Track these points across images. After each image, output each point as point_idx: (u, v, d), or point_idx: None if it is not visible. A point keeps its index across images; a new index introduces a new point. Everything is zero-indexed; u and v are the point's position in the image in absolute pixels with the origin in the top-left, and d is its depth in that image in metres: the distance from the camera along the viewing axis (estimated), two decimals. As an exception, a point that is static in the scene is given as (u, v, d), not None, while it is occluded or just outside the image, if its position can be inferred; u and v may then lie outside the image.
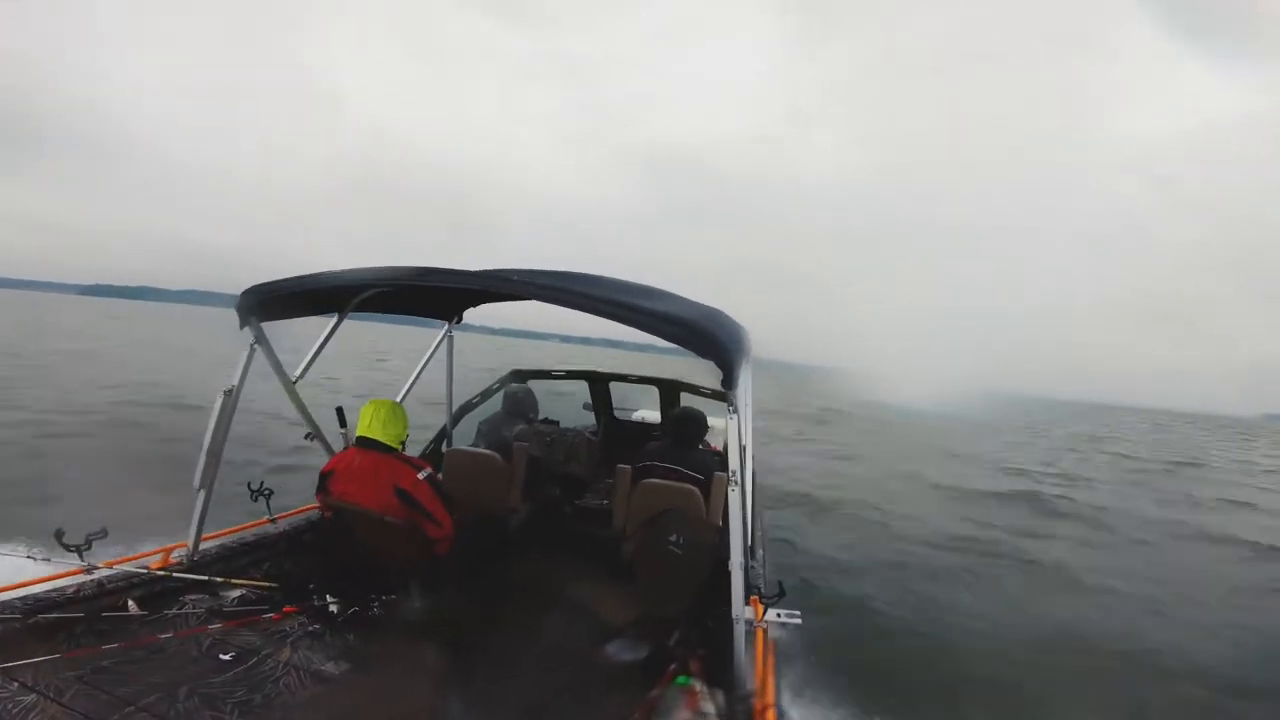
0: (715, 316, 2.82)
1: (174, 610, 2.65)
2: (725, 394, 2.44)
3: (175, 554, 2.89)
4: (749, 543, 2.72)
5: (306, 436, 3.50)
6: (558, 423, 5.24)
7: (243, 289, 2.81)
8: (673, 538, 3.13)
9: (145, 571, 2.71)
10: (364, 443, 2.99)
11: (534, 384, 5.48)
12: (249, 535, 3.27)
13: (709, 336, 2.35)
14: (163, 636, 2.41)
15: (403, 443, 3.09)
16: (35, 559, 2.60)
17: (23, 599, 2.35)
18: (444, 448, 4.54)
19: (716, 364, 2.34)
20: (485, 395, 5.10)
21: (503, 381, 5.17)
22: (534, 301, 2.83)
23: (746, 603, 2.35)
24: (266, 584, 2.95)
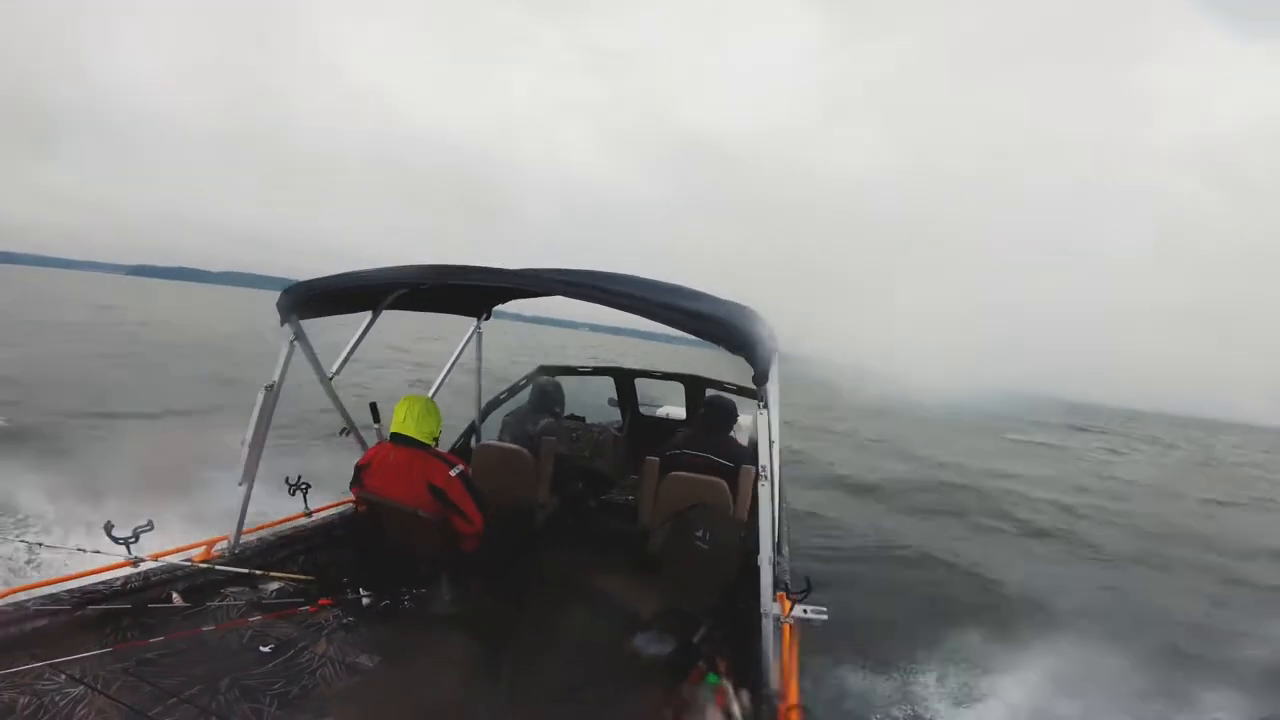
0: (745, 313, 2.81)
1: (215, 603, 2.72)
2: (753, 390, 2.44)
3: (217, 547, 2.98)
4: (776, 538, 2.70)
5: (341, 431, 3.57)
6: (584, 418, 5.26)
7: (284, 277, 2.87)
8: (699, 533, 3.12)
9: (189, 564, 2.79)
10: (398, 438, 3.03)
11: (560, 380, 5.49)
12: (286, 529, 3.36)
13: (741, 333, 2.36)
14: (205, 629, 2.47)
15: (436, 439, 3.13)
16: (84, 551, 2.70)
17: (70, 591, 2.44)
18: (473, 443, 4.59)
19: (747, 360, 2.34)
20: (513, 391, 5.13)
21: (530, 378, 5.19)
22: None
23: (774, 598, 2.35)
24: (303, 577, 3.01)
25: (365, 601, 2.90)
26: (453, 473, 2.97)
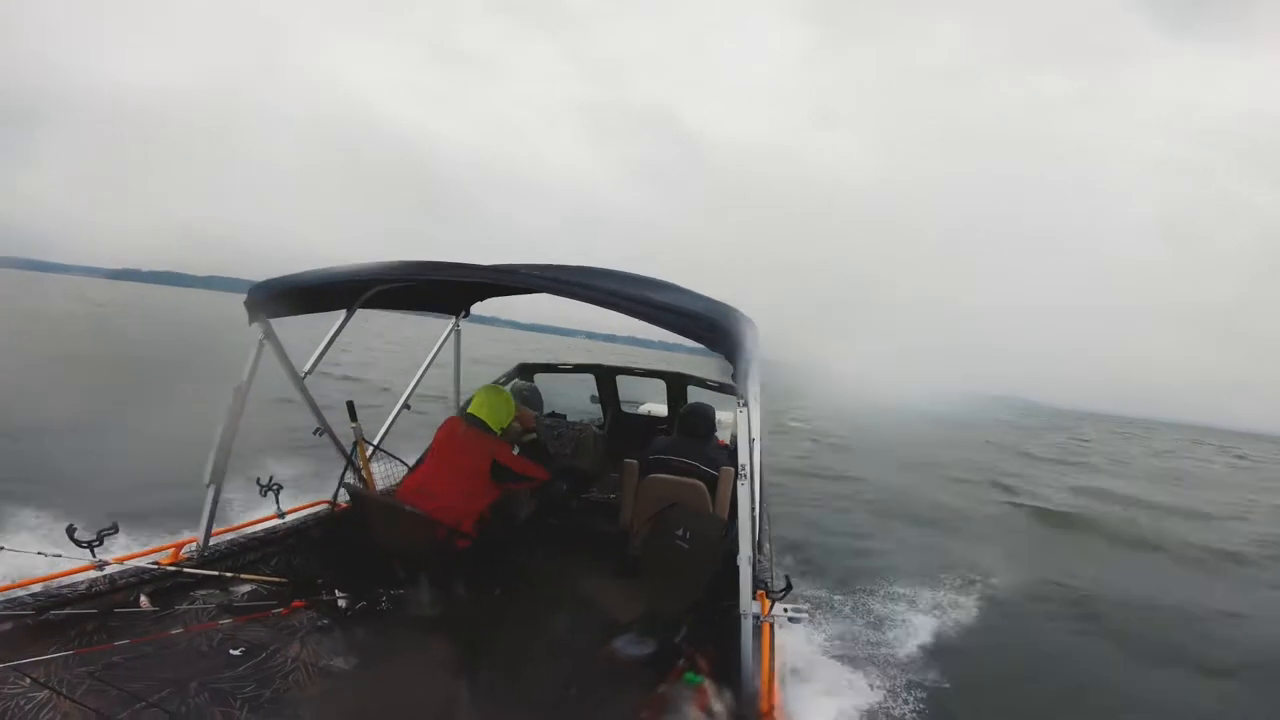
0: (725, 310, 2.80)
1: (185, 606, 2.67)
2: (733, 387, 2.42)
3: (186, 549, 2.92)
4: (756, 537, 2.70)
5: (316, 432, 3.53)
6: (564, 416, 5.23)
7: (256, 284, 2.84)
8: (680, 532, 3.11)
9: (156, 567, 2.74)
10: (471, 418, 3.35)
11: (541, 377, 5.46)
12: (258, 531, 3.30)
13: (719, 329, 2.33)
14: (173, 632, 2.43)
15: (504, 429, 3.40)
16: (46, 555, 2.64)
17: (34, 595, 2.38)
18: None
19: (727, 357, 2.32)
20: None
21: (509, 375, 5.14)
22: (550, 296, 2.79)
23: (754, 597, 2.33)
24: (275, 579, 2.97)
25: (341, 603, 2.87)
26: (515, 451, 3.45)
